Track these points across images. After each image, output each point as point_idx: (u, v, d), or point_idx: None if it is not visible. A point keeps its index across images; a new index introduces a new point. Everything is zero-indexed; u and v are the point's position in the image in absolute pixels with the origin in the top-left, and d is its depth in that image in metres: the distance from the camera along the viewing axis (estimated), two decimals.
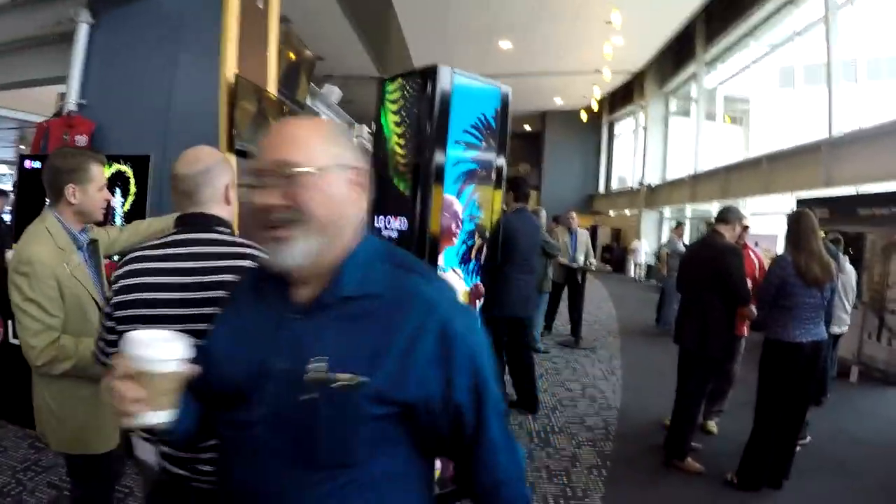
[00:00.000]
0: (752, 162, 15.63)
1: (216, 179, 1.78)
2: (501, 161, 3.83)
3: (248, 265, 1.64)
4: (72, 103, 5.05)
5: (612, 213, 28.86)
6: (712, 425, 5.34)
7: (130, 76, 4.95)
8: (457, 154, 3.56)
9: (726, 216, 4.66)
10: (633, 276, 22.32)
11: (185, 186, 1.74)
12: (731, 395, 5.35)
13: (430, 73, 3.41)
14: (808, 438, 4.82)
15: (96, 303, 2.34)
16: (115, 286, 1.68)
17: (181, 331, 1.54)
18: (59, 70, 5.31)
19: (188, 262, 1.65)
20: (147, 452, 1.69)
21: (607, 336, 10.17)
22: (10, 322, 4.29)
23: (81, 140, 4.87)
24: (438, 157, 3.43)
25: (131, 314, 1.64)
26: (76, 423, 2.29)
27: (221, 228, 1.75)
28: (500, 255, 4.95)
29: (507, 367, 5.74)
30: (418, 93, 3.50)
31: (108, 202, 2.45)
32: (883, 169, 10.07)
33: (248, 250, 1.70)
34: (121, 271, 1.69)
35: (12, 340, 4.23)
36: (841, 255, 5.17)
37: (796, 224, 4.16)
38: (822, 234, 4.69)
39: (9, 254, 4.52)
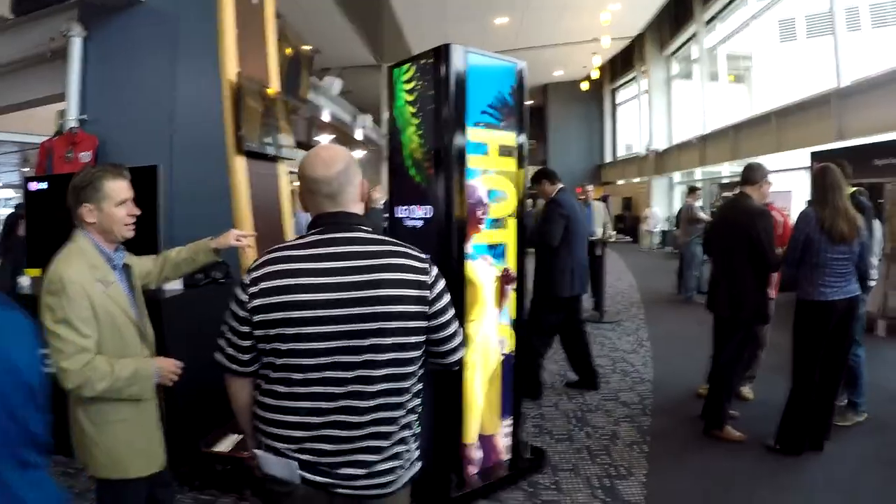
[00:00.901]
0: (761, 119, 15.44)
1: (355, 177, 1.73)
2: (522, 138, 3.72)
3: (408, 263, 1.67)
4: (73, 120, 4.97)
5: (621, 182, 28.72)
6: (748, 391, 5.25)
7: (130, 86, 4.86)
8: (477, 136, 3.46)
9: (752, 176, 4.50)
10: (646, 244, 22.03)
11: (329, 189, 1.68)
12: (763, 359, 5.23)
13: (443, 54, 3.29)
14: (845, 399, 4.71)
15: (133, 322, 2.27)
16: (253, 289, 1.59)
17: (331, 334, 1.56)
18: (58, 87, 5.23)
19: (338, 262, 1.60)
20: (279, 467, 1.62)
21: (631, 307, 10.09)
22: None
23: (86, 157, 4.79)
24: (459, 140, 3.32)
25: (280, 317, 1.56)
26: (116, 447, 2.22)
27: (364, 227, 1.70)
28: (558, 235, 5.05)
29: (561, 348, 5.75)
30: (432, 76, 3.38)
31: (135, 217, 2.33)
32: (894, 118, 9.90)
33: (401, 248, 1.70)
34: (258, 273, 1.61)
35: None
36: (871, 208, 5.01)
37: (821, 179, 4.06)
38: (850, 188, 4.57)
39: (22, 279, 4.45)
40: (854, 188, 4.64)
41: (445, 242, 3.36)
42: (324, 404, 1.57)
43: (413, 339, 1.65)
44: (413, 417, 1.72)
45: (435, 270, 1.72)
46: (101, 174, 2.25)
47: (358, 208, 1.74)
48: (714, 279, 4.69)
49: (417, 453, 1.77)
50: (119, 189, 2.26)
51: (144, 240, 3.79)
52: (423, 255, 1.72)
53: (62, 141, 4.90)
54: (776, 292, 5.16)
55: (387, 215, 3.96)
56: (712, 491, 3.72)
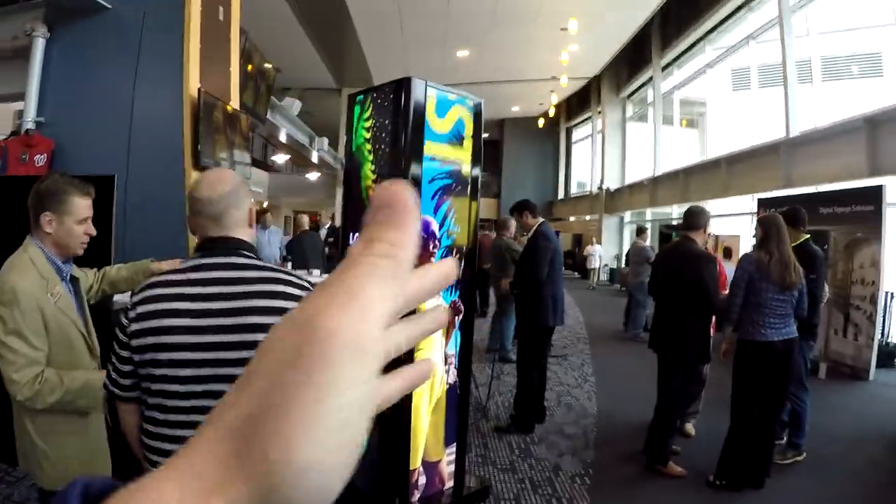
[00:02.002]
0: (711, 164, 15.91)
1: (242, 201, 1.69)
2: (476, 172, 3.77)
3: (282, 290, 1.60)
4: (29, 121, 4.87)
5: (572, 218, 29.13)
6: (690, 428, 5.36)
7: (90, 92, 4.79)
8: (432, 170, 3.50)
9: (696, 221, 4.61)
10: (589, 281, 22.25)
11: (212, 210, 1.64)
12: (707, 395, 5.35)
13: (403, 86, 3.34)
14: (785, 439, 4.85)
15: (82, 334, 2.25)
16: (133, 313, 1.57)
17: (200, 361, 1.51)
18: (16, 87, 5.12)
19: (211, 288, 1.56)
20: None
21: (577, 342, 10.21)
22: None
23: (41, 160, 4.70)
24: (415, 170, 3.36)
25: (151, 342, 1.54)
26: (67, 458, 2.19)
27: (247, 252, 1.67)
28: (545, 269, 5.19)
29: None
30: (391, 105, 3.42)
31: (90, 237, 2.30)
32: (841, 168, 10.31)
33: (280, 275, 1.65)
34: (138, 297, 1.59)
35: None
36: (822, 256, 5.20)
37: (766, 226, 4.21)
38: (804, 235, 4.76)
39: None
40: (806, 235, 4.82)
41: None
42: None
43: None
44: None
45: None
46: (70, 189, 2.22)
47: (244, 234, 1.71)
48: (657, 319, 4.78)
49: None
50: (83, 207, 2.25)
51: (98, 248, 3.75)
52: (305, 283, 1.68)
53: (17, 142, 4.79)
54: (714, 330, 5.29)
55: (331, 239, 3.97)
56: None
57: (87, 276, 2.61)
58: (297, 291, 1.62)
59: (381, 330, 0.30)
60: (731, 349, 4.37)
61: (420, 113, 3.37)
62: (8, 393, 2.05)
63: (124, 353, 1.60)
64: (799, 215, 4.82)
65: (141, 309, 1.56)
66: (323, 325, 0.28)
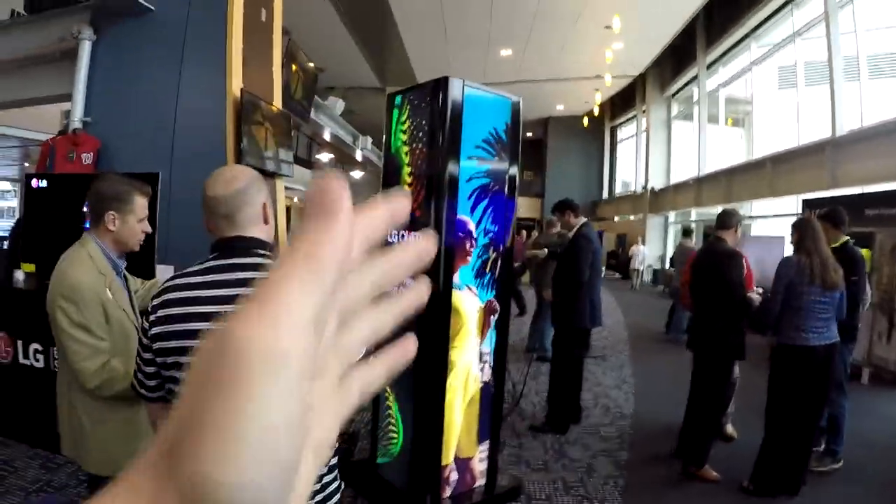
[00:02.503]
0: (756, 164, 15.64)
1: (254, 198, 1.66)
2: (514, 171, 3.79)
3: None
4: (76, 121, 5.01)
5: (616, 218, 28.86)
6: (731, 430, 5.34)
7: (135, 92, 4.91)
8: (470, 169, 3.53)
9: (727, 221, 4.67)
10: (633, 282, 21.97)
11: (224, 209, 1.62)
12: (744, 400, 5.28)
13: (441, 86, 3.37)
14: (823, 445, 4.76)
15: (135, 327, 2.33)
16: (153, 317, 1.57)
17: None
18: (64, 87, 5.28)
19: (226, 290, 1.53)
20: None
21: (617, 344, 10.13)
22: (19, 342, 4.26)
23: (88, 158, 4.84)
24: (452, 170, 3.39)
25: (171, 346, 1.53)
26: (112, 445, 2.27)
27: (262, 252, 1.64)
28: (587, 270, 5.18)
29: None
30: (429, 105, 3.46)
31: (146, 234, 2.44)
32: (888, 168, 10.04)
33: None
34: (157, 301, 1.58)
35: (23, 361, 4.22)
36: (862, 258, 5.12)
37: (802, 229, 4.16)
38: (844, 237, 4.69)
39: (17, 273, 4.51)
40: (847, 237, 4.75)
41: (433, 270, 3.42)
42: None
43: None
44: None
45: None
46: (132, 189, 2.35)
47: (259, 232, 1.67)
48: (694, 319, 4.81)
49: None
50: (143, 206, 2.38)
51: (142, 245, 3.86)
52: None
53: (65, 140, 4.94)
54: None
55: None
56: None
57: (134, 280, 2.71)
58: None
59: (306, 335, 0.28)
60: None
61: (458, 112, 3.40)
62: (50, 383, 2.14)
63: (147, 356, 1.60)
64: (839, 216, 4.74)
65: (161, 312, 1.55)
66: (236, 335, 0.26)
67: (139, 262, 3.92)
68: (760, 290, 4.58)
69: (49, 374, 3.98)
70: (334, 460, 1.70)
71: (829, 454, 4.67)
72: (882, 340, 7.84)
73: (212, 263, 1.61)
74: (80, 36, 5.07)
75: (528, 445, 5.01)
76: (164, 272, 3.93)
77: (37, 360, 4.20)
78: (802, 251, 4.09)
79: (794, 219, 4.51)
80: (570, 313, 5.38)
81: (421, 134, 3.53)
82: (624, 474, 4.53)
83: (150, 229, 2.43)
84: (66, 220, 4.18)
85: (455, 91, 3.38)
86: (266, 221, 1.70)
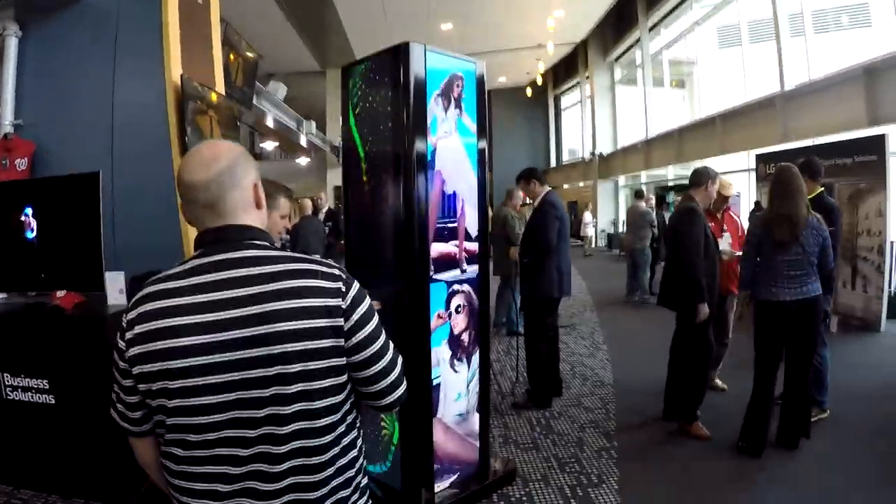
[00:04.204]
0: (706, 122, 15.73)
1: (242, 179, 1.35)
2: (483, 144, 3.58)
3: (311, 284, 1.29)
4: (7, 125, 4.66)
5: (566, 186, 29.01)
6: (718, 381, 5.43)
7: (69, 88, 4.57)
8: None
9: (696, 179, 4.70)
10: (585, 248, 22.10)
11: (205, 196, 1.31)
12: (737, 356, 5.28)
13: (401, 53, 3.14)
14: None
15: None
16: (129, 334, 1.26)
17: (219, 385, 1.22)
18: None
19: (220, 293, 1.25)
20: None
21: (584, 311, 10.10)
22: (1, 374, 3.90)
23: (22, 164, 4.50)
24: (419, 146, 3.17)
25: (160, 368, 1.23)
26: None
27: (258, 242, 1.34)
28: (554, 238, 5.10)
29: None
30: (390, 76, 3.22)
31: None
32: (840, 118, 10.16)
33: (305, 265, 1.32)
34: (133, 314, 1.27)
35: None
36: (838, 208, 5.11)
37: (772, 180, 4.15)
38: (819, 187, 4.64)
39: None
40: (821, 188, 4.72)
41: (407, 247, 3.23)
42: (231, 469, 1.25)
43: (326, 384, 1.29)
44: (350, 472, 1.39)
45: (354, 291, 1.36)
46: (280, 190, 2.51)
47: (251, 218, 1.37)
48: (663, 275, 4.87)
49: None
50: (287, 206, 2.57)
51: (87, 249, 3.59)
52: (337, 272, 1.35)
53: None
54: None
55: (329, 224, 3.78)
56: (687, 497, 3.66)
57: None
58: (329, 284, 1.31)
59: None
60: (746, 312, 4.37)
61: (421, 82, 3.18)
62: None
63: (127, 382, 1.31)
64: (814, 166, 4.69)
65: (139, 329, 1.25)
66: None
67: (84, 272, 3.65)
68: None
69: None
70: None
71: (815, 404, 4.64)
72: (847, 288, 7.94)
73: (195, 263, 1.30)
74: (4, 33, 4.70)
75: (513, 424, 4.88)
76: (114, 280, 3.67)
77: None
78: (769, 206, 4.09)
79: (746, 175, 4.54)
80: (536, 283, 5.25)
81: (383, 108, 3.29)
82: (615, 444, 4.44)
83: (288, 225, 2.64)
84: (3, 230, 3.87)
85: (417, 58, 3.16)
86: (259, 206, 1.40)
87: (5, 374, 3.69)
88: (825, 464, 3.97)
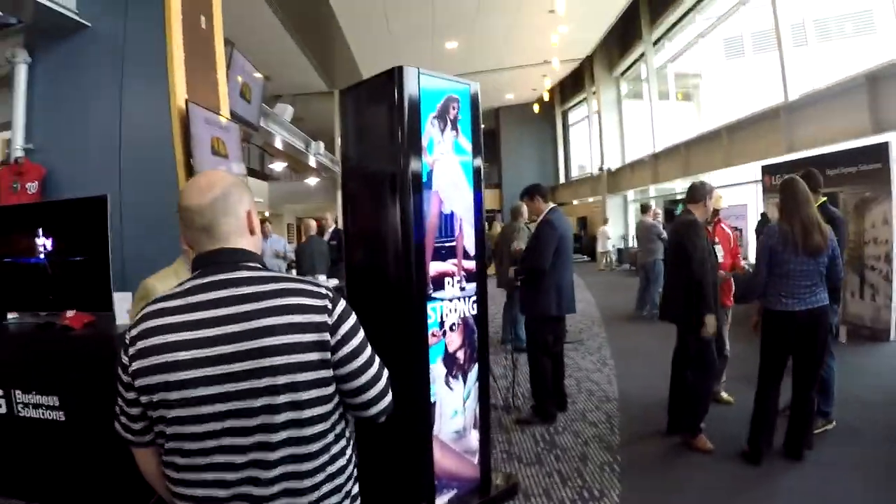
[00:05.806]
0: (712, 135, 15.72)
1: (235, 207, 1.48)
2: (478, 162, 3.65)
3: (299, 302, 1.41)
4: (18, 149, 4.78)
5: (575, 201, 28.97)
6: (724, 395, 5.45)
7: (77, 113, 4.69)
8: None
9: (694, 194, 4.78)
10: (603, 263, 22.19)
11: (202, 221, 1.44)
12: (745, 370, 5.21)
13: (396, 76, 3.23)
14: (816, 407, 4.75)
15: None
16: (132, 350, 1.38)
17: (214, 396, 1.33)
18: (2, 115, 5.04)
19: (216, 311, 1.37)
20: None
21: (592, 326, 10.12)
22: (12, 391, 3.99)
23: (33, 188, 4.62)
24: (414, 166, 3.25)
25: (159, 381, 1.34)
26: None
27: (251, 264, 1.47)
28: (549, 259, 5.12)
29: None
30: (386, 98, 3.31)
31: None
32: (843, 128, 10.14)
33: (294, 285, 1.44)
34: (135, 331, 1.40)
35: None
36: (842, 218, 5.14)
37: (784, 192, 4.13)
38: (821, 198, 4.66)
39: None
40: (824, 198, 4.74)
41: (405, 267, 3.29)
42: (228, 475, 1.36)
43: (314, 394, 1.39)
44: (339, 479, 1.47)
45: (340, 308, 1.47)
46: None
47: (245, 243, 1.50)
48: (664, 290, 5.00)
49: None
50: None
51: (95, 270, 3.68)
52: (324, 291, 1.47)
53: (7, 171, 4.70)
54: (730, 301, 5.42)
55: (334, 243, 3.84)
56: None
57: None
58: (316, 301, 1.43)
59: None
60: (759, 321, 4.36)
61: (415, 103, 3.26)
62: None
63: (130, 395, 1.42)
64: (813, 178, 4.70)
65: (140, 345, 1.38)
66: None
67: (93, 292, 3.75)
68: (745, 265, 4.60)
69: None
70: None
71: (820, 415, 4.64)
72: (855, 297, 7.93)
73: (193, 283, 1.43)
74: (14, 60, 4.83)
75: (517, 440, 4.91)
76: (122, 300, 3.75)
77: None
78: (784, 216, 4.08)
79: (753, 187, 4.58)
80: (534, 301, 5.29)
81: (378, 130, 3.38)
82: (618, 458, 4.46)
83: None
84: (17, 254, 3.98)
85: (410, 81, 3.24)
86: (252, 232, 1.53)
87: (17, 392, 3.80)
88: (830, 474, 3.97)
